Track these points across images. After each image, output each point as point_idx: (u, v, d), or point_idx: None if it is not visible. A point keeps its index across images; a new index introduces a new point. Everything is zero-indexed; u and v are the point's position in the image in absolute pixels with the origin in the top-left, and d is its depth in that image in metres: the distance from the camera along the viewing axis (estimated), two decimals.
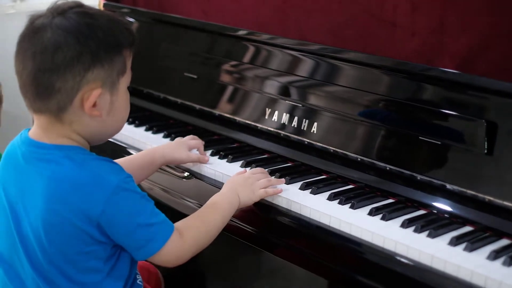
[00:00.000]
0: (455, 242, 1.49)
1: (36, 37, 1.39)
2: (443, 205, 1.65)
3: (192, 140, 1.97)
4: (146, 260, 1.53)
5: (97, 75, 1.40)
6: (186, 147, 1.92)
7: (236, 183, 1.71)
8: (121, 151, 2.17)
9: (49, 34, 1.38)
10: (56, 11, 1.42)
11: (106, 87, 1.42)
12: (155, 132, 2.23)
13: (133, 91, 2.40)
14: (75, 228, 1.40)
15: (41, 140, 1.45)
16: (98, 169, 1.42)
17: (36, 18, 1.42)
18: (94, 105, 1.42)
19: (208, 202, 1.64)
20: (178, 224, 1.52)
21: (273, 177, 1.82)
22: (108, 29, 1.43)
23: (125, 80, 1.48)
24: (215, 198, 1.66)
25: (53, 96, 1.39)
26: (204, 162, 1.93)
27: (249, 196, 1.69)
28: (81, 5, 1.45)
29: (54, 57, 1.37)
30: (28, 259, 1.45)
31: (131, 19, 2.58)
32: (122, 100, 1.48)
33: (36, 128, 1.47)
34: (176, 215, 1.94)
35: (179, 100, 2.34)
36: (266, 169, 1.87)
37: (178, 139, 1.99)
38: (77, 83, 1.39)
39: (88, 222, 1.40)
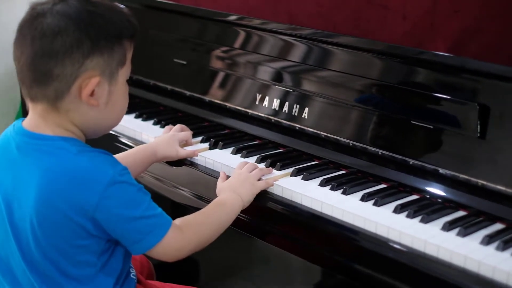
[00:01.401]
0: (448, 227, 1.47)
1: (35, 23, 1.37)
2: (436, 190, 1.64)
3: (181, 133, 1.95)
4: (143, 255, 1.50)
5: (96, 64, 1.38)
6: (177, 142, 1.91)
7: (232, 184, 1.68)
8: (111, 139, 2.15)
9: (49, 19, 1.36)
10: None
11: (104, 77, 1.40)
12: (145, 119, 2.21)
13: None
14: (69, 220, 1.38)
15: (36, 131, 1.42)
16: (94, 161, 1.39)
17: (37, 5, 1.40)
18: (92, 94, 1.39)
19: (210, 203, 1.61)
20: (178, 220, 1.50)
21: (263, 164, 1.81)
22: (110, 18, 1.41)
23: (125, 72, 1.46)
24: (217, 199, 1.63)
25: (51, 83, 1.37)
26: (194, 156, 1.92)
27: (251, 191, 1.66)
28: None
29: (53, 43, 1.35)
30: (20, 252, 1.43)
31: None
32: (121, 92, 1.46)
33: (32, 118, 1.44)
34: (168, 203, 1.94)
35: (169, 87, 2.32)
36: (257, 155, 1.86)
37: (166, 130, 1.98)
38: (76, 70, 1.37)
39: (82, 215, 1.37)
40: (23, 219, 1.41)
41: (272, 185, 1.70)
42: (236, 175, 1.71)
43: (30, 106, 1.44)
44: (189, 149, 1.93)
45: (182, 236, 1.46)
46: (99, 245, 1.43)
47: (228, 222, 1.58)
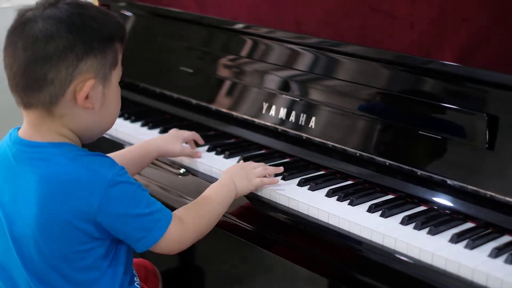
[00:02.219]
0: (456, 239, 1.45)
1: (26, 29, 1.37)
2: (443, 201, 1.62)
3: (186, 131, 1.96)
4: (148, 250, 1.49)
5: (90, 66, 1.38)
6: (181, 140, 1.91)
7: (233, 172, 1.69)
8: (116, 147, 2.13)
9: (40, 24, 1.36)
10: (47, 3, 1.40)
11: (99, 79, 1.40)
12: (151, 128, 2.20)
13: (129, 85, 2.42)
14: (71, 226, 1.38)
15: (31, 139, 1.42)
16: (91, 165, 1.39)
17: (25, 11, 1.40)
18: (87, 97, 1.39)
19: (206, 190, 1.63)
20: (177, 211, 1.51)
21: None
22: (100, 20, 1.41)
23: (117, 74, 1.46)
24: (213, 186, 1.65)
25: (45, 88, 1.37)
26: (197, 157, 1.92)
27: (246, 185, 1.68)
28: None
29: (47, 47, 1.35)
30: (22, 261, 1.42)
31: (127, 13, 2.56)
32: (114, 93, 1.46)
33: (26, 126, 1.44)
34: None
35: (175, 95, 2.31)
36: None
37: (173, 131, 1.98)
38: (70, 74, 1.36)
39: (84, 220, 1.37)
40: (24, 229, 1.41)
41: (267, 184, 1.71)
42: (241, 165, 1.74)
43: (24, 113, 1.43)
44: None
45: (184, 228, 1.48)
46: (102, 247, 1.43)
47: (222, 211, 1.61)
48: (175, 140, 1.90)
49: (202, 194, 1.61)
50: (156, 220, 1.43)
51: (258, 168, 1.72)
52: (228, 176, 1.68)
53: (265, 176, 1.73)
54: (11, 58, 1.39)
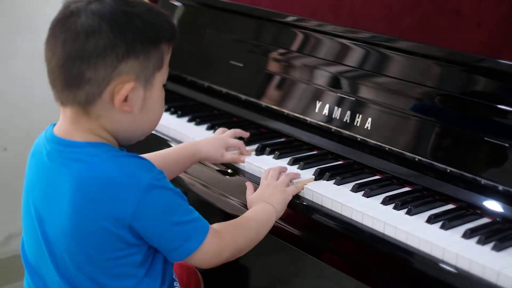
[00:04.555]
0: None
1: (68, 22, 1.31)
2: (509, 213, 1.51)
3: (232, 139, 1.88)
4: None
5: (131, 67, 1.31)
6: (224, 146, 1.84)
7: (262, 196, 1.63)
8: (160, 143, 2.08)
9: (83, 19, 1.30)
10: None
11: (140, 81, 1.33)
12: (198, 124, 2.13)
13: (176, 78, 2.36)
14: (105, 231, 1.32)
15: (67, 137, 1.36)
16: (129, 167, 1.33)
17: (70, 3, 1.33)
18: (126, 100, 1.32)
19: (247, 212, 1.58)
20: (215, 225, 1.45)
21: (321, 177, 1.72)
22: (147, 19, 1.34)
23: (161, 77, 1.38)
24: (250, 211, 1.59)
25: (82, 86, 1.30)
26: (240, 161, 1.85)
27: (283, 198, 1.62)
28: None
29: (86, 45, 1.29)
30: (55, 265, 1.37)
31: (175, 2, 2.50)
32: (157, 98, 1.39)
33: (62, 123, 1.38)
34: (219, 213, 1.86)
35: (224, 90, 2.24)
36: (315, 167, 1.76)
37: (219, 132, 1.92)
38: (109, 74, 1.30)
39: (119, 225, 1.31)
40: (56, 232, 1.35)
41: (303, 189, 1.66)
42: (263, 186, 1.67)
43: (61, 110, 1.38)
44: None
45: (220, 242, 1.42)
46: (139, 254, 1.37)
47: (264, 232, 1.55)
48: (218, 146, 1.83)
49: (243, 214, 1.56)
50: (193, 230, 1.37)
51: (281, 178, 1.68)
52: (260, 201, 1.62)
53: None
54: (50, 52, 1.33)
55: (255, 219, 1.54)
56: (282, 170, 1.73)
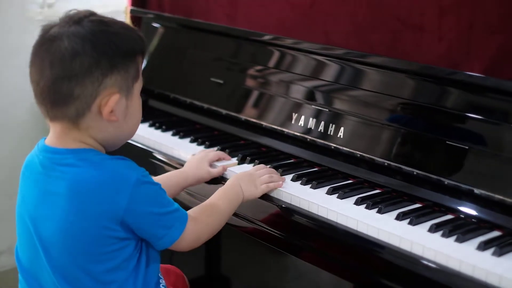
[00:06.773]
0: (483, 247, 1.48)
1: (53, 46, 1.41)
2: (470, 210, 1.64)
3: (211, 152, 1.99)
4: (168, 249, 1.55)
5: (115, 81, 1.44)
6: (207, 163, 1.93)
7: (239, 178, 1.77)
8: (147, 155, 2.18)
9: (66, 42, 1.41)
10: (72, 20, 1.44)
11: (122, 92, 1.46)
12: (182, 137, 2.24)
13: (159, 96, 2.46)
14: (100, 228, 1.43)
15: (57, 146, 1.47)
16: (116, 167, 1.45)
17: (50, 28, 1.44)
18: (112, 110, 1.44)
19: (215, 192, 1.71)
20: (190, 211, 1.59)
21: (298, 182, 1.83)
22: (123, 36, 1.46)
23: (138, 85, 1.51)
24: (222, 189, 1.72)
25: (71, 103, 1.42)
26: (224, 171, 1.94)
27: (252, 191, 1.76)
28: (94, 14, 1.48)
29: (72, 65, 1.40)
30: (50, 265, 1.47)
31: (157, 25, 2.60)
32: (136, 105, 1.52)
33: (52, 136, 1.49)
34: None
35: (205, 105, 2.35)
36: (293, 174, 1.88)
37: (198, 154, 1.99)
38: (96, 89, 1.42)
39: (112, 221, 1.43)
40: (52, 232, 1.45)
41: (273, 189, 1.78)
42: (249, 172, 1.81)
43: (50, 124, 1.49)
44: (219, 164, 1.96)
45: (198, 227, 1.56)
46: (129, 247, 1.48)
47: (231, 212, 1.70)
48: (201, 166, 1.92)
49: (212, 196, 1.69)
50: (175, 219, 1.51)
51: (264, 176, 1.79)
52: (235, 180, 1.75)
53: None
54: (38, 75, 1.43)
55: (224, 201, 1.67)
56: (273, 172, 1.84)
